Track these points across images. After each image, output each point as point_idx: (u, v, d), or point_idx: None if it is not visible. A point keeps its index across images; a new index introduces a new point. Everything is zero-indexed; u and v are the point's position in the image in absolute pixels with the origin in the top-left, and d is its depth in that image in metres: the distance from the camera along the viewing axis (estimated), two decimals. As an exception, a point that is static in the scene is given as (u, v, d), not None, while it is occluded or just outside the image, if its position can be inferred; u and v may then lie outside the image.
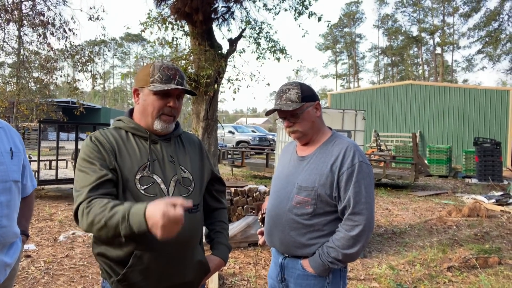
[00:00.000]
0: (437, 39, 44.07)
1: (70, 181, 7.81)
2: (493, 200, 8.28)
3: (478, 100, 17.66)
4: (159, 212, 1.11)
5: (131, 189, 1.39)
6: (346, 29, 52.09)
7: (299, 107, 1.68)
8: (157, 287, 1.42)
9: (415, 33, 45.94)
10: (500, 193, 9.18)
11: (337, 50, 53.58)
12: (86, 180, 1.35)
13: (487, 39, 33.85)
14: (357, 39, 52.93)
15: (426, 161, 13.45)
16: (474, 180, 12.39)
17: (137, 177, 1.41)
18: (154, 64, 1.49)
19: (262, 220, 1.93)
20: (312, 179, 1.66)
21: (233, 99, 7.58)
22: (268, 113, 1.81)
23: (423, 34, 45.14)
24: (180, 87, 1.46)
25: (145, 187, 1.41)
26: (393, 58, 50.29)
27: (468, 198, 9.10)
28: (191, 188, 1.50)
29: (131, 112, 1.58)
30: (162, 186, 1.44)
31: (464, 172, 14.00)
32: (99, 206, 1.25)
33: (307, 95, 1.71)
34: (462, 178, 13.29)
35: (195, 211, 1.50)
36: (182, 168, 1.52)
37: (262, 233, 1.93)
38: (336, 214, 1.66)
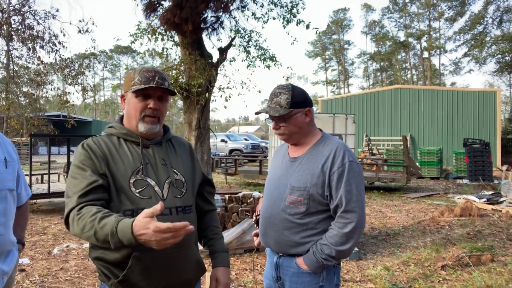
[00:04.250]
0: (424, 44, 44.74)
1: (62, 194, 7.74)
2: (484, 200, 8.39)
3: (467, 102, 17.94)
4: (148, 230, 1.13)
5: (126, 192, 1.43)
6: (334, 36, 52.68)
7: (286, 113, 1.72)
8: (157, 286, 1.45)
9: (402, 38, 46.62)
10: (490, 192, 9.30)
11: (327, 57, 54.09)
12: (77, 186, 1.39)
13: (472, 42, 34.42)
14: (346, 46, 53.56)
15: (417, 164, 13.59)
16: (465, 181, 12.55)
17: (131, 181, 1.45)
18: (136, 69, 1.55)
19: (257, 222, 1.96)
20: (304, 179, 1.70)
21: (225, 107, 7.63)
22: (257, 113, 1.86)
23: (410, 39, 45.80)
24: (154, 85, 1.48)
25: (139, 190, 1.44)
26: (382, 64, 50.89)
27: (460, 198, 9.21)
28: (184, 190, 1.54)
29: (121, 118, 1.63)
30: (156, 188, 1.47)
31: (455, 173, 14.17)
32: (89, 215, 1.28)
33: (298, 101, 1.73)
34: (453, 179, 13.44)
35: (189, 212, 1.54)
36: (175, 170, 1.56)
37: (257, 235, 1.97)
38: (328, 213, 1.70)
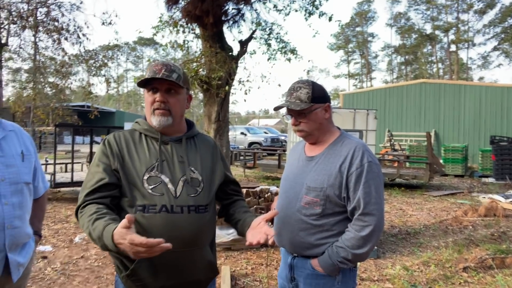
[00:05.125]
0: (451, 37, 43.41)
1: (85, 183, 7.94)
2: (511, 200, 8.10)
3: (495, 98, 17.30)
4: (124, 241, 1.19)
5: (139, 188, 1.45)
6: (358, 28, 51.70)
7: (307, 108, 1.68)
8: (164, 284, 1.45)
9: (428, 31, 45.32)
10: (518, 192, 8.98)
11: (349, 49, 53.21)
12: (88, 182, 1.46)
13: (503, 36, 33.19)
14: (370, 38, 52.52)
15: (441, 161, 13.24)
16: (490, 179, 12.15)
17: (145, 177, 1.47)
18: (150, 64, 1.58)
19: (271, 220, 1.93)
20: (320, 179, 1.66)
21: (245, 100, 7.60)
22: (276, 108, 1.81)
23: (437, 32, 44.49)
24: (159, 77, 1.46)
25: (152, 186, 1.46)
26: (407, 57, 49.69)
27: (485, 197, 8.92)
28: (199, 189, 1.52)
29: None
30: (170, 185, 1.47)
31: (480, 171, 13.74)
32: (87, 215, 1.36)
33: (318, 96, 1.70)
34: (478, 177, 13.05)
35: (202, 211, 1.51)
36: (192, 168, 1.55)
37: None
38: (345, 214, 1.65)
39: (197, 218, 1.48)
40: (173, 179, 1.49)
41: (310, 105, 1.67)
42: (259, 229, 1.44)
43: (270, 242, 1.93)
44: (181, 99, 1.57)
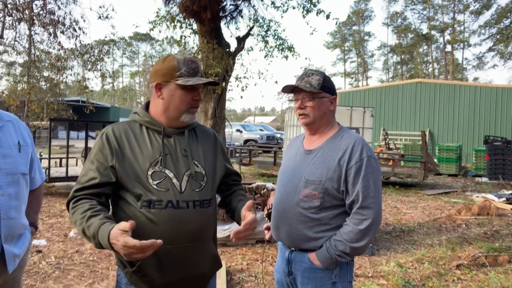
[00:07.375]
0: (447, 37, 43.59)
1: (80, 178, 7.90)
2: (504, 199, 8.18)
3: (489, 98, 17.42)
4: (118, 242, 1.20)
5: (144, 184, 1.42)
6: (354, 27, 51.77)
7: (316, 92, 1.70)
8: (170, 279, 1.44)
9: (424, 31, 45.46)
10: (510, 191, 9.06)
11: (346, 48, 53.29)
12: (81, 177, 1.45)
13: (498, 37, 33.33)
14: (366, 37, 52.59)
15: (435, 160, 13.32)
16: (484, 179, 12.25)
17: (149, 172, 1.43)
18: (177, 58, 1.50)
19: (268, 215, 1.93)
20: (319, 172, 1.66)
21: (241, 97, 7.53)
22: (284, 89, 1.78)
23: (433, 32, 44.64)
24: (205, 80, 1.50)
25: (157, 182, 1.43)
26: (403, 56, 49.83)
27: (478, 196, 9.00)
28: (203, 183, 1.51)
29: (147, 105, 1.59)
30: (175, 180, 1.45)
31: (474, 170, 13.84)
32: (80, 212, 1.35)
33: (328, 86, 1.73)
34: (472, 176, 13.15)
35: (206, 206, 1.50)
36: (195, 162, 1.52)
37: (268, 229, 1.94)
38: (343, 208, 1.66)
39: (202, 213, 1.47)
40: (178, 174, 1.46)
41: (319, 92, 1.70)
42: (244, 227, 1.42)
43: (267, 237, 1.93)
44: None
